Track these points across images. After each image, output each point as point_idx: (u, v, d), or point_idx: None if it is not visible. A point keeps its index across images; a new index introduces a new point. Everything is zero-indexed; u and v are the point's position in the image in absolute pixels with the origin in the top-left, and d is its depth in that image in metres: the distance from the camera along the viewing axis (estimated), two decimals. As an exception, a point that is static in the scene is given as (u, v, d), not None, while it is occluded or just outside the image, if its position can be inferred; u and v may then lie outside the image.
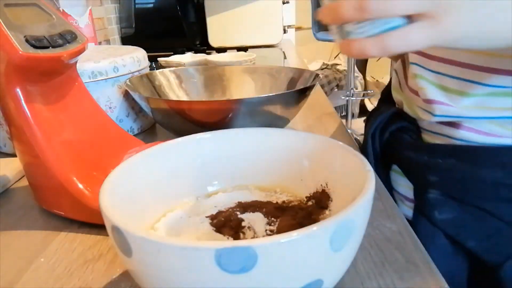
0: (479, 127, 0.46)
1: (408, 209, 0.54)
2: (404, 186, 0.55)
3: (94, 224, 0.41)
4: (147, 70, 0.74)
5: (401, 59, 0.60)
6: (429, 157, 0.48)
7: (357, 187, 0.28)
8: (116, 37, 1.53)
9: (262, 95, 0.54)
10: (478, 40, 0.32)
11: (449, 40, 0.30)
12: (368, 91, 2.92)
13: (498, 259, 0.45)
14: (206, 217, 0.34)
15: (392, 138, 0.55)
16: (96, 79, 0.61)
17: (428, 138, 0.52)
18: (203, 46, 1.50)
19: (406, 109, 0.55)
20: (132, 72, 0.67)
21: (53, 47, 0.41)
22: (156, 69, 0.79)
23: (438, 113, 0.47)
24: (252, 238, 0.31)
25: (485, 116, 0.45)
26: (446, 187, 0.48)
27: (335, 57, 3.33)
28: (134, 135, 0.70)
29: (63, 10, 1.02)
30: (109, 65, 0.63)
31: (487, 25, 0.31)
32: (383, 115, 0.56)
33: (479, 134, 0.46)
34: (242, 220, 0.33)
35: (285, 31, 1.54)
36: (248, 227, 0.32)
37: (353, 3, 0.28)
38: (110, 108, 0.65)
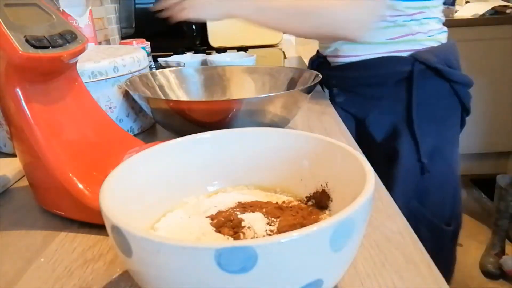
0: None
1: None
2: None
3: (94, 224, 0.41)
4: (147, 70, 0.74)
5: None
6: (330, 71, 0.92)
7: (357, 187, 0.28)
8: (116, 37, 1.53)
9: (262, 95, 0.54)
10: None
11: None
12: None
13: (363, 115, 0.90)
14: (206, 217, 0.34)
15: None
16: (96, 79, 0.62)
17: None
18: (203, 46, 1.50)
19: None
20: (132, 72, 0.67)
21: (53, 47, 0.41)
22: (156, 69, 0.79)
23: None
24: (252, 238, 0.31)
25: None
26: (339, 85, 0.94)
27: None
28: (134, 135, 0.70)
29: (63, 10, 1.02)
30: (109, 65, 0.63)
31: None
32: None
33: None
34: (242, 220, 0.33)
35: (285, 31, 1.54)
36: (248, 227, 0.32)
37: None
38: (110, 108, 0.65)
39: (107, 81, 0.63)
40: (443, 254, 0.89)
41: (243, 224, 0.32)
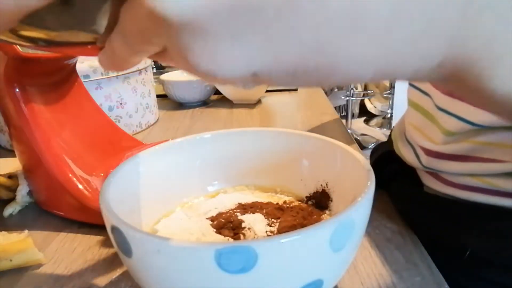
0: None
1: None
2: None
3: (94, 224, 0.41)
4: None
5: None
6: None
7: (357, 187, 0.28)
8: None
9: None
10: None
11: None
12: (368, 91, 2.92)
13: None
14: (207, 218, 0.34)
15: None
16: (108, 76, 0.64)
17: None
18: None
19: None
20: (140, 70, 0.70)
21: (53, 47, 0.41)
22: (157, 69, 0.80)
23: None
24: (252, 239, 0.31)
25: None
26: None
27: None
28: (142, 130, 0.72)
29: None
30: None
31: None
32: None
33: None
34: (243, 221, 0.33)
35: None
36: (249, 228, 0.32)
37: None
38: (121, 104, 0.67)
39: (118, 77, 0.66)
40: None
41: (243, 225, 0.32)
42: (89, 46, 0.20)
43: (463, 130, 0.37)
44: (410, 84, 0.46)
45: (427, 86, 0.42)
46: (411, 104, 0.46)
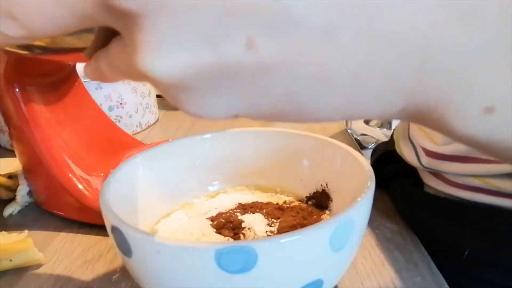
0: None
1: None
2: None
3: (94, 224, 0.41)
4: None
5: None
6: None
7: (357, 187, 0.28)
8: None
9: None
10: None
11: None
12: (368, 91, 2.91)
13: None
14: (207, 218, 0.34)
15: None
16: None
17: None
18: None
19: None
20: None
21: (53, 47, 0.41)
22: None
23: None
24: (252, 239, 0.31)
25: None
26: None
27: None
28: (142, 130, 0.72)
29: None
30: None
31: None
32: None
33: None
34: (243, 221, 0.33)
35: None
36: (249, 228, 0.32)
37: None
38: (121, 104, 0.67)
39: None
40: None
41: (243, 225, 0.32)
42: (82, 53, 0.20)
43: None
44: None
45: None
46: None
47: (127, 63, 0.15)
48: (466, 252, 0.37)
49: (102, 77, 0.19)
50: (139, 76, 0.15)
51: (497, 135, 0.16)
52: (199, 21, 0.13)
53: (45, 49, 0.22)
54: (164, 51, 0.14)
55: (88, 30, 0.18)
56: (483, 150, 0.17)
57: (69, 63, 0.45)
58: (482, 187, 0.37)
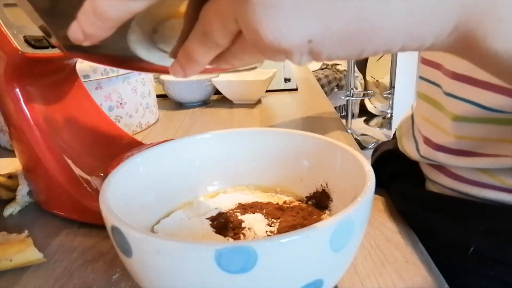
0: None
1: None
2: None
3: (94, 224, 0.41)
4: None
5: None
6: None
7: (357, 187, 0.28)
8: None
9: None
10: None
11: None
12: (368, 91, 2.92)
13: None
14: (207, 218, 0.34)
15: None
16: (109, 76, 0.64)
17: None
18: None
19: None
20: None
21: (53, 47, 0.41)
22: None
23: None
24: (252, 239, 0.31)
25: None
26: None
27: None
28: (142, 130, 0.72)
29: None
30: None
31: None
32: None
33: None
34: (243, 221, 0.33)
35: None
36: (249, 228, 0.32)
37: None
38: (121, 104, 0.68)
39: (118, 77, 0.66)
40: None
41: (243, 225, 0.32)
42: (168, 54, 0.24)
43: (471, 114, 0.37)
44: (420, 77, 0.47)
45: (436, 76, 0.43)
46: (420, 96, 0.47)
47: (219, 9, 0.19)
48: (471, 250, 0.37)
49: (191, 65, 0.22)
50: (231, 11, 0.18)
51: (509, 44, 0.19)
52: None
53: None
54: None
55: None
56: (508, 72, 0.20)
57: (72, 59, 0.45)
58: (491, 183, 0.37)
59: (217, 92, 0.92)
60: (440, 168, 0.42)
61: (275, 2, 0.17)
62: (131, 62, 0.26)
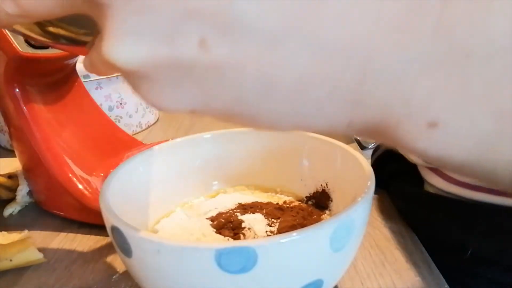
0: None
1: None
2: None
3: (94, 224, 0.41)
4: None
5: None
6: None
7: (357, 187, 0.28)
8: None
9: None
10: None
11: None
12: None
13: None
14: (207, 218, 0.34)
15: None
16: (109, 76, 0.64)
17: None
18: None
19: None
20: None
21: (53, 47, 0.41)
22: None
23: None
24: (252, 239, 0.31)
25: None
26: None
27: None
28: (142, 130, 0.72)
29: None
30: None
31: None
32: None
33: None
34: (243, 221, 0.33)
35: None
36: (249, 228, 0.32)
37: None
38: (121, 104, 0.68)
39: (118, 77, 0.66)
40: None
41: (243, 225, 0.32)
42: (85, 46, 0.22)
43: None
44: None
45: None
46: None
47: (99, 52, 0.16)
48: (470, 251, 0.37)
49: (96, 70, 0.20)
50: (108, 64, 0.16)
51: (446, 150, 0.16)
52: (159, 17, 0.14)
53: (71, 41, 0.23)
54: (125, 40, 0.15)
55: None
56: (438, 165, 0.17)
57: (72, 59, 0.45)
58: (483, 185, 0.37)
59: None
60: (435, 170, 0.42)
61: (150, 75, 0.16)
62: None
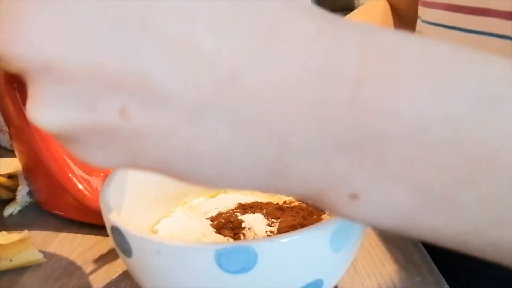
0: None
1: None
2: None
3: (94, 224, 0.41)
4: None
5: None
6: None
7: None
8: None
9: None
10: None
11: None
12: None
13: None
14: (207, 218, 0.34)
15: None
16: None
17: None
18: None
19: None
20: None
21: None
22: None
23: None
24: (252, 239, 0.31)
25: None
26: None
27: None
28: None
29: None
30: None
31: None
32: None
33: None
34: (243, 221, 0.33)
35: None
36: (249, 228, 0.32)
37: None
38: None
39: None
40: None
41: (243, 225, 0.32)
42: None
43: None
44: None
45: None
46: None
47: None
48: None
49: None
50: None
51: (371, 219, 0.17)
52: (80, 87, 0.14)
53: None
54: (47, 107, 0.15)
55: None
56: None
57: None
58: None
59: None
60: None
61: (74, 137, 0.16)
62: None
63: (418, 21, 0.45)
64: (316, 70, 0.14)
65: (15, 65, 0.14)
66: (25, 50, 0.14)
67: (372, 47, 0.15)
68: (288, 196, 0.17)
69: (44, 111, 0.15)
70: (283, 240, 0.22)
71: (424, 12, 0.43)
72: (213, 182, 0.17)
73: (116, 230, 0.24)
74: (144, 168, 0.17)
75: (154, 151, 0.15)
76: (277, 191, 0.17)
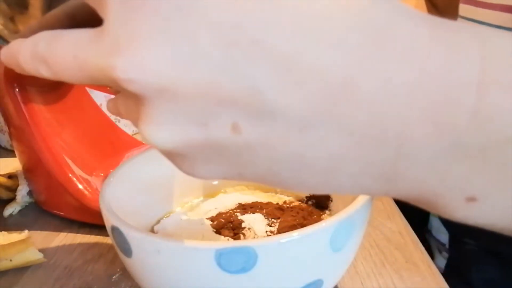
0: None
1: (443, 261, 0.50)
2: (445, 233, 0.49)
3: (94, 224, 0.41)
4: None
5: None
6: None
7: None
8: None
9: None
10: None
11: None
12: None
13: None
14: (207, 218, 0.34)
15: None
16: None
17: None
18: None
19: None
20: None
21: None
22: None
23: None
24: (252, 239, 0.31)
25: None
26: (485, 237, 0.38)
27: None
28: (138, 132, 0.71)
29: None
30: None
31: None
32: None
33: None
34: (243, 221, 0.33)
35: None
36: (249, 228, 0.32)
37: (30, 48, 0.18)
38: None
39: None
40: None
41: (243, 225, 0.32)
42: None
43: None
44: None
45: None
46: None
47: (134, 121, 0.18)
48: (472, 247, 0.37)
49: (119, 115, 0.21)
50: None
51: (485, 221, 0.17)
52: (192, 106, 0.15)
53: None
54: (161, 127, 0.16)
55: None
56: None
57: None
58: None
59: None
60: None
61: (183, 153, 0.17)
62: None
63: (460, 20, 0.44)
64: (434, 74, 0.14)
65: (130, 89, 0.15)
66: (143, 76, 0.14)
67: (493, 51, 0.15)
68: (396, 198, 0.17)
69: (159, 130, 0.16)
70: (283, 240, 0.22)
71: (473, 12, 0.42)
72: (319, 189, 0.17)
73: (116, 230, 0.24)
74: (248, 179, 0.17)
75: (262, 161, 0.16)
76: (384, 195, 0.17)
